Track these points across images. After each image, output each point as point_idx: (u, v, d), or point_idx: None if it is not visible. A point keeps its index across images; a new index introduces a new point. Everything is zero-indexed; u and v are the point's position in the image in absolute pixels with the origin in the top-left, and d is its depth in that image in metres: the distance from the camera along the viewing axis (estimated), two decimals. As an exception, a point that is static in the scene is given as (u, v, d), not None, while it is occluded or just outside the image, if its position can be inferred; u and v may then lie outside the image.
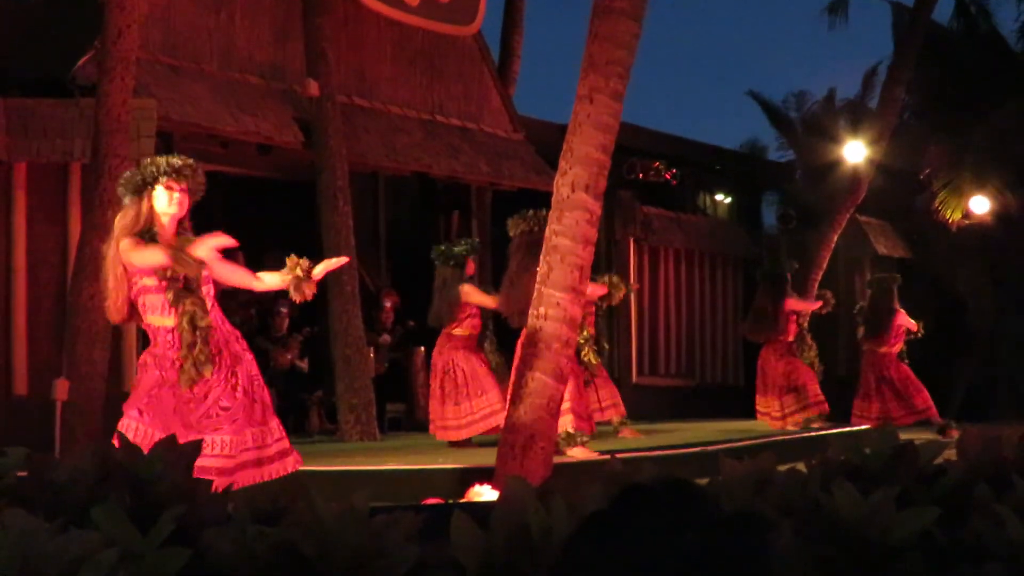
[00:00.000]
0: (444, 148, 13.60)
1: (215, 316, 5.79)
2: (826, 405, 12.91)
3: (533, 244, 8.22)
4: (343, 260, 6.60)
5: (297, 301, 6.06)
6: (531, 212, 9.26)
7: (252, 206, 13.20)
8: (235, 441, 5.63)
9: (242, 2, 12.06)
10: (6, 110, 10.02)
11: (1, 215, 10.16)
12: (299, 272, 5.94)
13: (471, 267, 10.28)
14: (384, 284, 13.74)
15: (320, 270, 6.04)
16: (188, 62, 11.43)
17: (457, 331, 10.09)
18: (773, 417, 12.96)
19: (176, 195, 5.70)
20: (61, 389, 9.14)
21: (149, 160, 5.82)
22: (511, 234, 9.44)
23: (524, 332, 8.79)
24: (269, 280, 6.06)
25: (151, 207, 5.69)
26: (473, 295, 9.99)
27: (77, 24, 10.58)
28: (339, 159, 11.54)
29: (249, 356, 5.88)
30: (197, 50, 11.59)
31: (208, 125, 11.03)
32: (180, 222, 5.77)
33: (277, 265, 6.10)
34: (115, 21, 8.97)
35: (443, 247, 10.29)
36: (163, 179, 5.67)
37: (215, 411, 5.64)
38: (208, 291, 5.78)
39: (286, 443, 5.88)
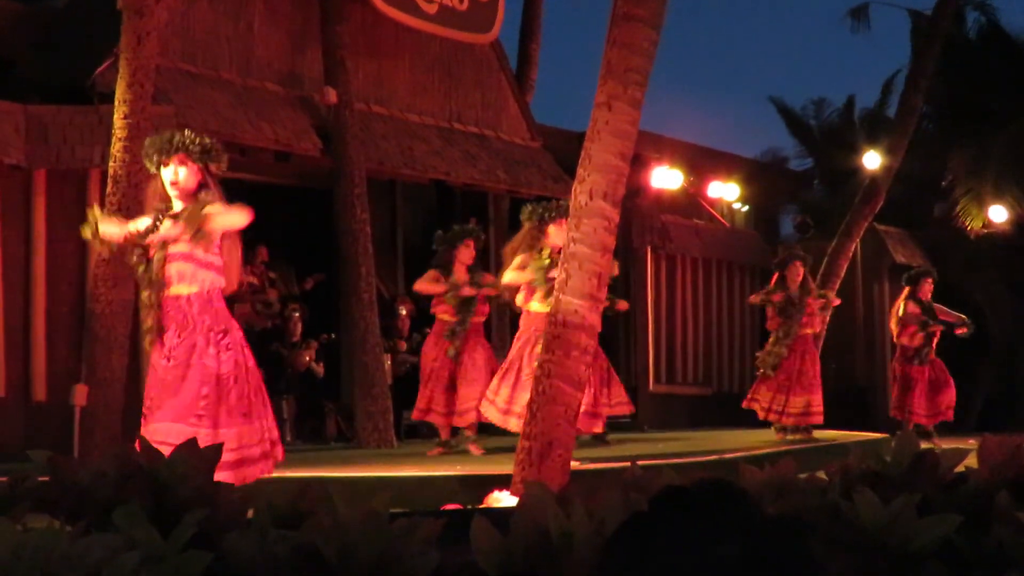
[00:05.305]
0: (462, 156, 13.60)
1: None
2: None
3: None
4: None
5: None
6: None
7: (270, 213, 13.20)
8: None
9: (261, 10, 12.09)
10: (26, 117, 10.07)
11: (21, 222, 10.20)
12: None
13: (464, 254, 10.20)
14: (399, 291, 13.76)
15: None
16: (207, 69, 11.47)
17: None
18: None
19: (169, 170, 5.68)
20: (80, 395, 9.17)
21: (161, 136, 5.82)
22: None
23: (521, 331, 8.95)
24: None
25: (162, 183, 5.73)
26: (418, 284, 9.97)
27: (97, 31, 10.63)
28: (357, 166, 11.57)
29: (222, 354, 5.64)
30: (216, 57, 11.62)
31: (226, 132, 11.04)
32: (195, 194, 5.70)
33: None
34: (134, 28, 9.00)
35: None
36: (162, 157, 5.72)
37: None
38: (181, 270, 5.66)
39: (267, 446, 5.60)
